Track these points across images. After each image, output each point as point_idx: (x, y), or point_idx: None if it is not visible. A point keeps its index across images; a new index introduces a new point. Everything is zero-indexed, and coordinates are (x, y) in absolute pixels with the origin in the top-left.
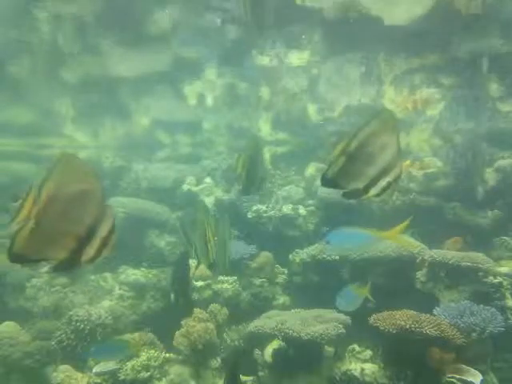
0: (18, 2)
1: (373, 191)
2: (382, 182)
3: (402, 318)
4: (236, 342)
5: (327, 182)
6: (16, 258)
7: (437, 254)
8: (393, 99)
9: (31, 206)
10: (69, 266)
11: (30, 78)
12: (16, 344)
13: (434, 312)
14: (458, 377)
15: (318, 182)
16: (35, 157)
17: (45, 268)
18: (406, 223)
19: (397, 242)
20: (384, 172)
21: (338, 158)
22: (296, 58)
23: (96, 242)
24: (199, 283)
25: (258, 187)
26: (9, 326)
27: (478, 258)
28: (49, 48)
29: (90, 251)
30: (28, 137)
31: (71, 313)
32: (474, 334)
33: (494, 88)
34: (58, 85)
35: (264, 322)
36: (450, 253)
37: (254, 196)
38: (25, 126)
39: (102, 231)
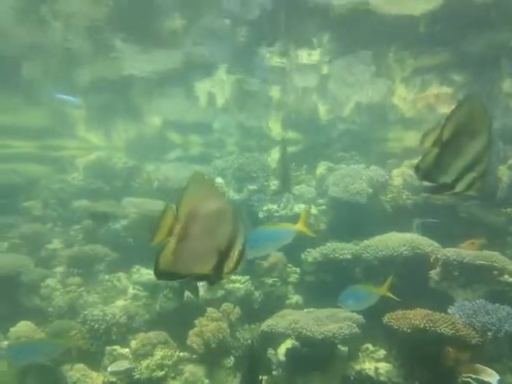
0: (30, 4)
1: (459, 187)
2: (468, 177)
3: (416, 317)
4: (249, 342)
5: (421, 174)
6: (163, 275)
7: (451, 252)
8: (404, 97)
9: (172, 224)
10: (213, 278)
11: (43, 79)
12: None
13: (449, 311)
14: (474, 376)
15: (329, 181)
16: (48, 158)
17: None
18: (306, 212)
19: (304, 232)
20: (471, 166)
21: (431, 150)
22: (306, 57)
23: (235, 255)
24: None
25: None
26: (25, 326)
27: (493, 256)
28: (61, 50)
29: (230, 264)
30: (41, 139)
31: (86, 312)
32: (489, 334)
33: (508, 84)
34: (70, 87)
35: (277, 322)
36: (465, 251)
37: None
38: (38, 129)
39: (238, 244)
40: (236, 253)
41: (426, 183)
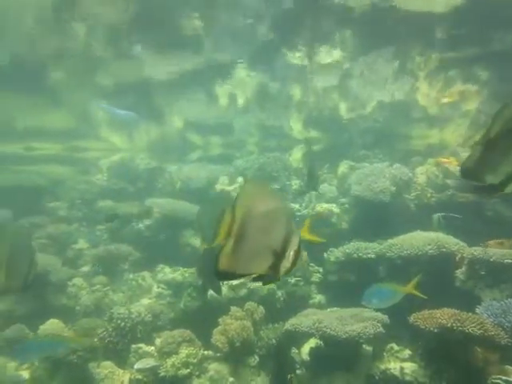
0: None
1: (510, 188)
2: None
3: (443, 316)
4: (274, 341)
5: (463, 173)
6: (223, 275)
7: (477, 251)
8: (428, 94)
9: (230, 225)
10: (270, 278)
11: (67, 83)
12: None
13: (477, 311)
14: (504, 378)
15: (351, 180)
16: (72, 159)
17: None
18: (308, 221)
19: (306, 238)
20: None
21: (477, 148)
22: (327, 55)
23: (290, 255)
24: (235, 282)
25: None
26: (53, 324)
27: None
28: (84, 53)
29: (286, 264)
30: (65, 140)
31: (112, 311)
32: None
33: None
34: (93, 89)
35: (301, 321)
36: (491, 250)
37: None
38: (62, 130)
39: (294, 244)
40: (292, 253)
41: (473, 183)
